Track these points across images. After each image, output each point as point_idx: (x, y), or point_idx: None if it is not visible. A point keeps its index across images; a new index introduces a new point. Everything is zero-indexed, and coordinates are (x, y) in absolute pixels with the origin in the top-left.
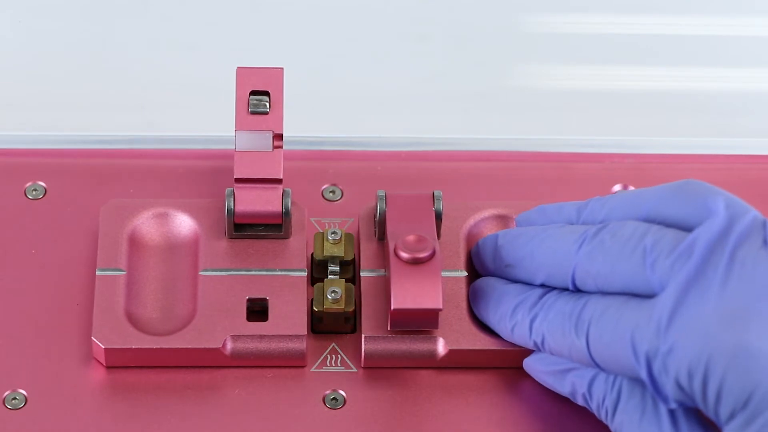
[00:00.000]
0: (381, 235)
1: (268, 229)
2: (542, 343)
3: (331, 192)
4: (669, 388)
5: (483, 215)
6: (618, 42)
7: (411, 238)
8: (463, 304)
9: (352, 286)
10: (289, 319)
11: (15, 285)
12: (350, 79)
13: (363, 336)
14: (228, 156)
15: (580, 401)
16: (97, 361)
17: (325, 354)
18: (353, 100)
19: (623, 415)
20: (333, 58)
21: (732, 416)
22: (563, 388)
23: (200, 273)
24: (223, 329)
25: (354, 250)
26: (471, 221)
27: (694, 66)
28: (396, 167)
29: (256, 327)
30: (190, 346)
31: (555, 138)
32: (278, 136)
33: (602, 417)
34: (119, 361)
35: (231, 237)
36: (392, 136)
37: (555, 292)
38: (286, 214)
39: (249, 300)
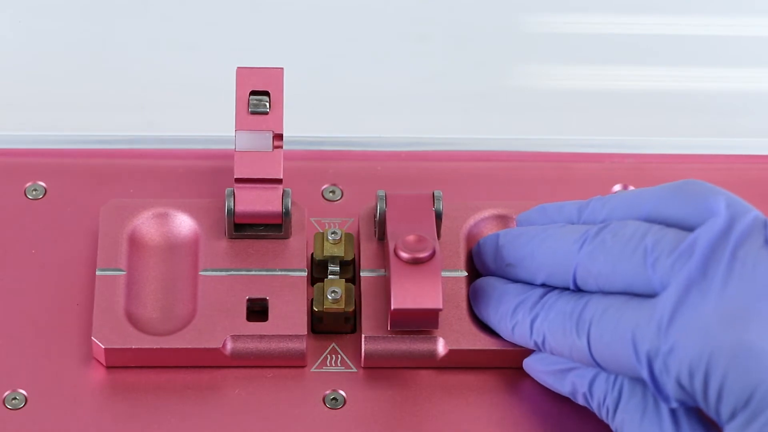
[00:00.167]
0: (381, 235)
1: (268, 229)
2: (543, 342)
3: (331, 192)
4: (670, 387)
5: (483, 215)
6: (618, 42)
7: (411, 238)
8: (463, 304)
9: (352, 286)
10: (289, 319)
11: (15, 285)
12: (350, 79)
13: (363, 336)
14: (228, 156)
15: (580, 401)
16: (97, 361)
17: (325, 354)
18: (353, 100)
19: (624, 415)
20: (333, 58)
21: (733, 415)
22: (563, 387)
23: (200, 273)
24: (223, 329)
25: (354, 250)
26: (471, 221)
27: (694, 66)
28: (396, 167)
29: (256, 327)
30: (190, 346)
31: (555, 138)
32: (278, 136)
33: (603, 416)
34: (119, 361)
35: (231, 237)
36: (392, 136)
37: (556, 291)
38: (286, 214)
39: (249, 300)
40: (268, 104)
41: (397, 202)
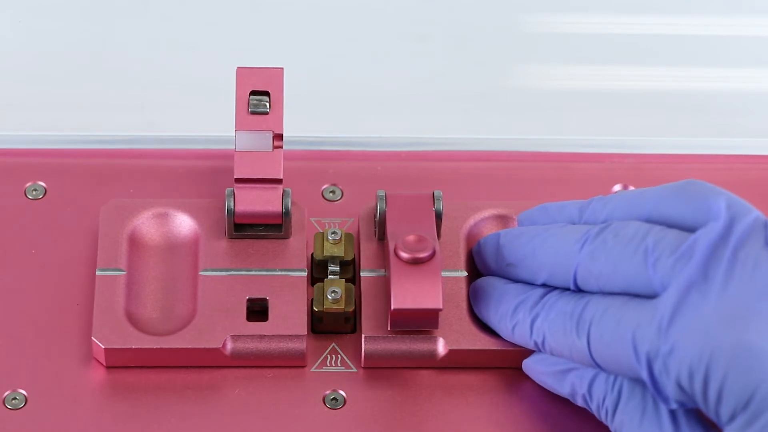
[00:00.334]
0: (381, 235)
1: (268, 229)
2: (543, 342)
3: (331, 192)
4: (670, 388)
5: (483, 215)
6: (618, 42)
7: (411, 238)
8: (463, 304)
9: (352, 286)
10: (289, 319)
11: (15, 285)
12: (350, 79)
13: (363, 336)
14: (228, 156)
15: (579, 402)
16: (97, 361)
17: (325, 354)
18: (353, 100)
19: (623, 416)
20: (333, 58)
21: (733, 417)
22: (563, 388)
23: (200, 273)
24: (223, 329)
25: (354, 250)
26: (471, 221)
27: (694, 66)
28: (396, 167)
29: (256, 327)
30: (190, 346)
31: (555, 138)
32: (278, 136)
33: (602, 417)
34: (119, 361)
35: (231, 237)
36: (392, 136)
37: (556, 291)
38: (286, 214)
39: (249, 300)
40: (268, 104)
41: (397, 202)
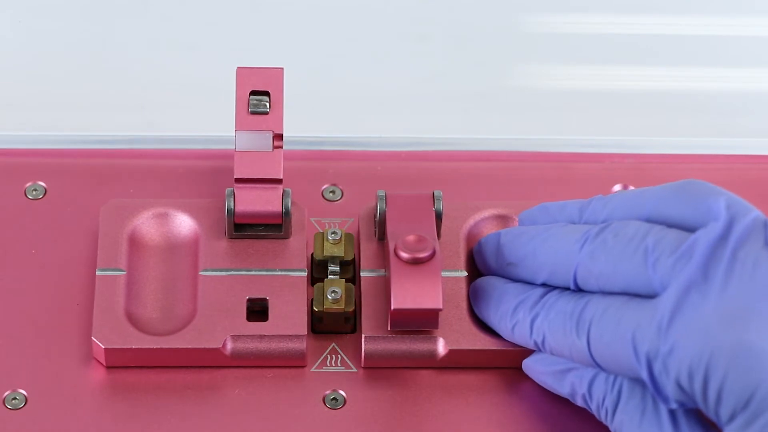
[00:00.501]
0: (381, 235)
1: (268, 229)
2: (543, 342)
3: (331, 192)
4: (669, 388)
5: (483, 215)
6: (618, 42)
7: (411, 238)
8: (463, 304)
9: (352, 286)
10: (289, 319)
11: (15, 285)
12: (350, 79)
13: (363, 336)
14: (228, 156)
15: (579, 402)
16: (97, 361)
17: (325, 354)
18: (353, 100)
19: (623, 416)
20: (333, 58)
21: (733, 417)
22: (563, 388)
23: (200, 273)
24: (223, 329)
25: (354, 250)
26: (471, 221)
27: (694, 66)
28: (396, 167)
29: (256, 327)
30: (190, 346)
31: (555, 138)
32: (278, 136)
33: (602, 417)
34: (119, 361)
35: (231, 237)
36: (392, 136)
37: (556, 291)
38: (286, 214)
39: (249, 300)
40: (268, 104)
41: (397, 202)
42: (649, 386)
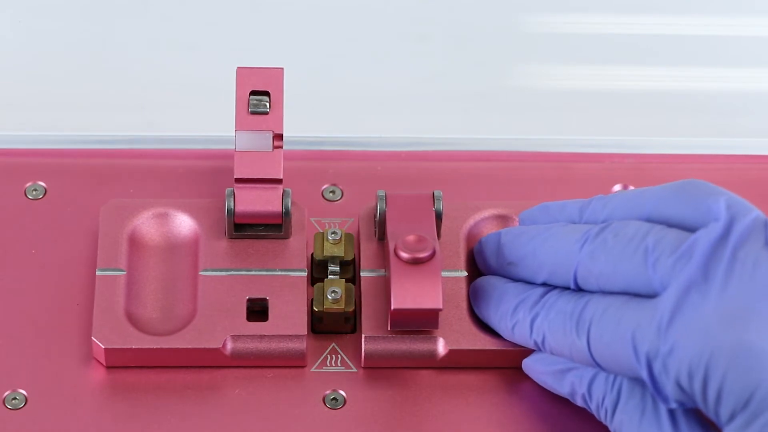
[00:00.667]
0: (381, 235)
1: (268, 229)
2: (543, 342)
3: (331, 192)
4: (669, 388)
5: (483, 215)
6: (618, 42)
7: (411, 238)
8: (463, 304)
9: (352, 286)
10: (289, 319)
11: (15, 285)
12: (350, 79)
13: (363, 336)
14: (228, 156)
15: (579, 402)
16: (97, 361)
17: (325, 354)
18: (353, 100)
19: (623, 415)
20: (333, 58)
21: (732, 417)
22: (562, 388)
23: (200, 273)
24: (223, 329)
25: (354, 250)
26: (471, 221)
27: (694, 66)
28: (396, 167)
29: (256, 327)
30: (190, 346)
31: (555, 138)
32: (278, 136)
33: (601, 417)
34: (119, 361)
35: (231, 237)
36: (392, 136)
37: (556, 291)
38: (286, 214)
39: (249, 300)
40: (268, 104)
41: (397, 202)
42: (649, 386)
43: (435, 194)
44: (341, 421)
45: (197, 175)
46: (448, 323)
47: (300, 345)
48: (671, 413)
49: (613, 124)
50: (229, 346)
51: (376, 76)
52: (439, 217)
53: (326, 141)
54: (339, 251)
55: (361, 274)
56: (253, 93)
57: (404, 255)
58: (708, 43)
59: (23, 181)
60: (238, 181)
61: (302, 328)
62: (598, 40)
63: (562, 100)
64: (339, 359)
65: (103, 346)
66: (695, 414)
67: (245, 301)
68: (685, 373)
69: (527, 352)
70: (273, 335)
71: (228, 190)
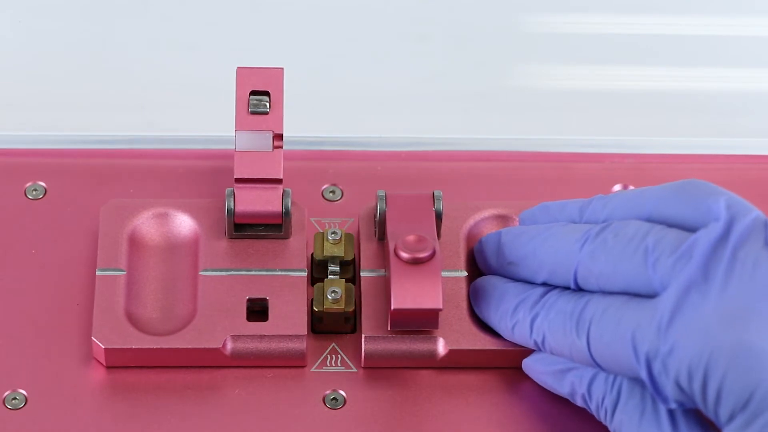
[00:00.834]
0: (381, 235)
1: (268, 229)
2: (543, 342)
3: (331, 192)
4: (669, 388)
5: (483, 215)
6: (618, 42)
7: (411, 238)
8: (463, 304)
9: (352, 286)
10: (289, 319)
11: (15, 285)
12: (350, 79)
13: (363, 336)
14: (228, 156)
15: (579, 402)
16: (97, 361)
17: (325, 354)
18: (353, 100)
19: (622, 415)
20: (333, 58)
21: (732, 417)
22: (562, 388)
23: (200, 273)
24: (223, 329)
25: (354, 250)
26: (471, 221)
27: (694, 66)
28: (396, 167)
29: (256, 327)
30: (190, 346)
31: (555, 138)
32: (278, 136)
33: (601, 417)
34: (119, 361)
35: (231, 237)
36: (392, 136)
37: (556, 291)
38: (286, 214)
39: (249, 300)
40: (268, 104)
41: (397, 202)
42: (649, 386)
43: (435, 194)
44: (341, 421)
45: (197, 175)
46: (448, 323)
47: (300, 345)
48: (671, 413)
49: (613, 124)
50: (229, 346)
51: (376, 76)
52: (439, 217)
53: (326, 141)
54: (339, 251)
55: (361, 274)
56: (253, 93)
57: (404, 255)
58: (708, 43)
59: (23, 181)
60: (238, 181)
61: (302, 328)
62: (598, 40)
63: (562, 100)
64: (339, 359)
65: (103, 346)
66: (695, 414)
67: (245, 301)
68: (685, 373)
69: (527, 352)
70: (273, 335)
71: (228, 190)
